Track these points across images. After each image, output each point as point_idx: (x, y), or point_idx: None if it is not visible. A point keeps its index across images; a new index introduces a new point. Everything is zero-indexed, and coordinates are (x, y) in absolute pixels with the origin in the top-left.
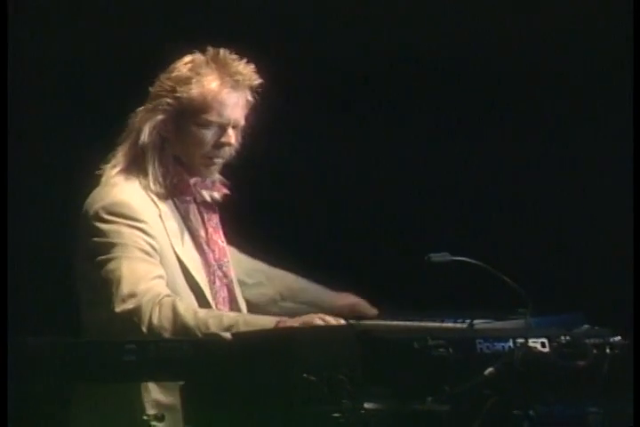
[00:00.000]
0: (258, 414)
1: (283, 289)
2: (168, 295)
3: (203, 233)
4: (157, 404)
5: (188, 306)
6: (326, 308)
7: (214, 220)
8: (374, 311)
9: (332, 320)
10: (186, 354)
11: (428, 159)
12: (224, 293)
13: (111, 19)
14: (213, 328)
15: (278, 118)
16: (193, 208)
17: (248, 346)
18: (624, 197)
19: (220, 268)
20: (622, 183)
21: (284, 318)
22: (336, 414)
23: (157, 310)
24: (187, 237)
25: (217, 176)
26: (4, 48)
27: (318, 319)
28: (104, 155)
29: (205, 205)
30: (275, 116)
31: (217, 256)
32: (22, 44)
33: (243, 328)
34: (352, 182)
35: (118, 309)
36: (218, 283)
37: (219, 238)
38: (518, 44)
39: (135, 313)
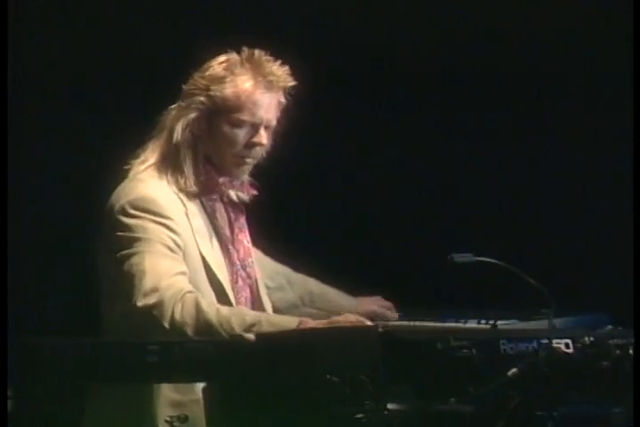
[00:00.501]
0: (280, 416)
1: (304, 294)
2: (190, 291)
3: (228, 232)
4: (172, 403)
5: (210, 303)
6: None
7: (241, 220)
8: (394, 318)
9: (355, 320)
10: (209, 355)
11: (449, 159)
12: (246, 293)
13: (111, 18)
14: (236, 326)
15: (302, 120)
16: (220, 207)
17: (271, 347)
18: None
19: (243, 268)
20: None
21: (306, 319)
22: (359, 416)
23: (180, 305)
24: (212, 235)
25: (246, 177)
26: (4, 48)
27: (343, 320)
28: (105, 154)
29: (232, 205)
30: (299, 117)
31: (241, 256)
32: (22, 43)
33: (265, 327)
34: (373, 184)
35: (140, 303)
36: (240, 283)
37: (244, 238)
38: (519, 43)
39: (157, 308)
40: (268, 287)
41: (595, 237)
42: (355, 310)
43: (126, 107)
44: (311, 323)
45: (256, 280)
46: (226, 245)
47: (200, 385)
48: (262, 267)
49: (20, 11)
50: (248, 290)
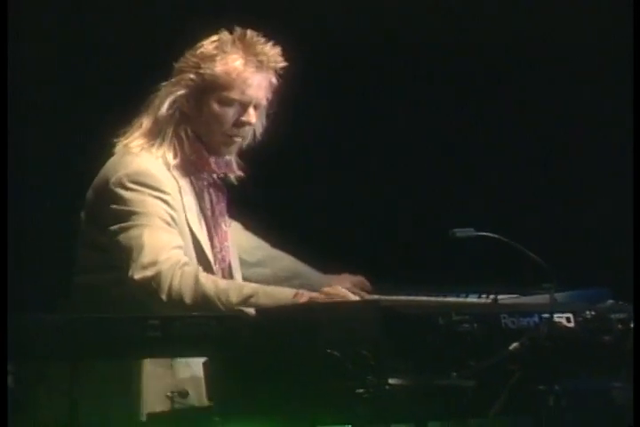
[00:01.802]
0: (281, 391)
1: (279, 270)
2: (187, 264)
3: (210, 214)
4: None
5: (208, 276)
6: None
7: (222, 204)
8: (364, 297)
9: (344, 293)
10: (210, 330)
11: (451, 132)
12: (219, 275)
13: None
14: (233, 297)
15: (293, 102)
16: (206, 188)
17: (272, 322)
18: None
19: (220, 251)
20: None
21: (302, 291)
22: (360, 390)
23: (178, 277)
24: (200, 215)
25: (233, 157)
26: (4, 48)
27: (333, 292)
28: (101, 147)
29: (216, 188)
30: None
31: (220, 239)
32: (22, 43)
33: (262, 298)
34: (372, 157)
35: (138, 275)
36: (217, 266)
37: (223, 222)
38: (519, 43)
39: (155, 280)
40: (246, 262)
41: (595, 212)
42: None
43: (124, 97)
44: (306, 295)
45: (229, 265)
46: (209, 227)
47: (200, 360)
48: (242, 241)
49: (19, 11)
50: (220, 274)
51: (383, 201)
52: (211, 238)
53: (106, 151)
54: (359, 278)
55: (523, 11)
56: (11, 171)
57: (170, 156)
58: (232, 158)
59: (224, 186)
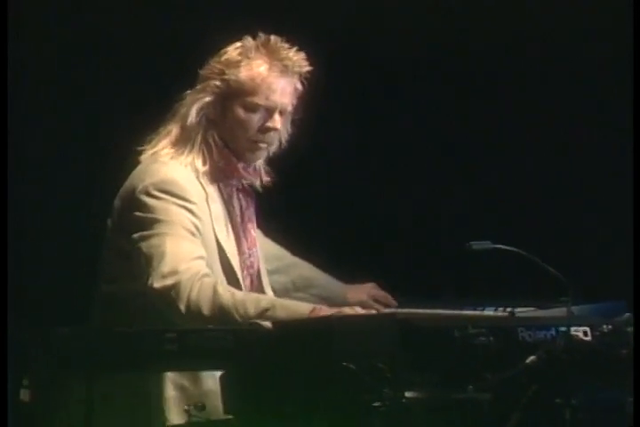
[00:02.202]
0: (298, 404)
1: (297, 279)
2: (207, 275)
3: (239, 220)
4: (181, 389)
5: (226, 287)
6: (336, 301)
7: (251, 209)
8: (380, 309)
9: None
10: (227, 343)
11: (470, 145)
12: (247, 282)
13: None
14: (250, 310)
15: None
16: (235, 194)
17: (288, 335)
18: None
19: (249, 257)
20: None
21: (320, 306)
22: (377, 403)
23: (197, 288)
24: (227, 222)
25: (261, 163)
26: (3, 48)
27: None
28: (103, 152)
29: (245, 193)
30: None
31: (249, 245)
32: (22, 43)
33: (279, 312)
34: (388, 167)
35: (157, 284)
36: (245, 272)
37: (252, 228)
38: (519, 43)
39: (174, 290)
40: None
41: (613, 225)
42: (344, 296)
43: (143, 98)
44: (324, 310)
45: (258, 270)
46: (238, 233)
47: (210, 376)
48: (262, 248)
49: (19, 11)
50: (249, 279)
51: (400, 212)
52: (239, 245)
53: (127, 159)
54: (383, 294)
55: (523, 10)
56: (11, 171)
57: (199, 163)
58: (260, 164)
59: (252, 192)
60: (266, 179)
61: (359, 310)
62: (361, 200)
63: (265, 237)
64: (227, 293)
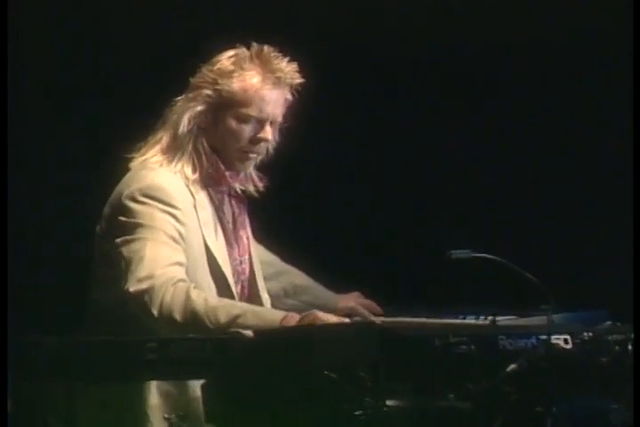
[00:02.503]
0: (279, 413)
1: (287, 286)
2: (183, 280)
3: (231, 227)
4: (167, 396)
5: (200, 293)
6: (326, 309)
7: (243, 215)
8: (371, 317)
9: (334, 320)
10: (207, 352)
11: (445, 156)
12: (238, 289)
13: (120, 10)
14: (221, 317)
15: (306, 116)
16: (226, 200)
17: (269, 344)
18: None
19: (240, 263)
20: None
21: (292, 313)
22: (358, 412)
23: (170, 292)
24: (218, 228)
25: (252, 170)
26: (3, 48)
27: (326, 317)
28: (107, 151)
29: (237, 199)
30: (304, 113)
31: (240, 252)
32: (22, 44)
33: (250, 319)
34: (373, 180)
35: (132, 288)
36: (236, 278)
37: (245, 234)
38: (519, 43)
39: (148, 294)
40: None
41: (593, 233)
42: (335, 304)
43: (135, 103)
44: (296, 317)
45: (249, 277)
46: (229, 240)
47: (195, 383)
48: (257, 255)
49: (19, 11)
50: (240, 286)
51: (386, 220)
52: (230, 252)
53: (118, 165)
54: (368, 302)
55: (523, 10)
56: (11, 171)
57: (189, 170)
58: (250, 171)
59: (245, 198)
60: (259, 184)
61: (331, 318)
62: (347, 208)
63: (257, 243)
64: (200, 298)
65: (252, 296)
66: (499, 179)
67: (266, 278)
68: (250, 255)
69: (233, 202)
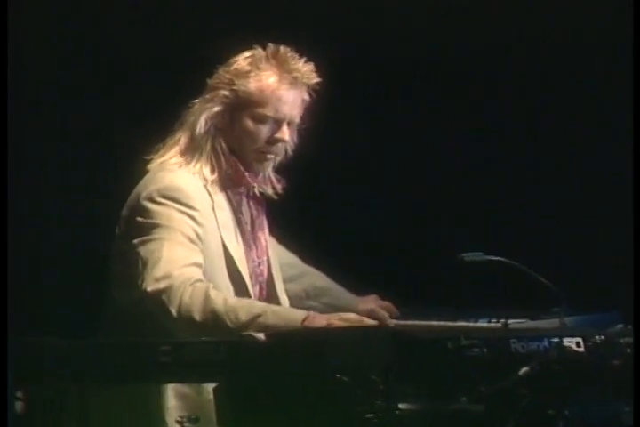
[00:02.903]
0: (291, 416)
1: (309, 287)
2: (201, 280)
3: (249, 228)
4: (181, 398)
5: (218, 293)
6: (346, 311)
7: (261, 217)
8: (390, 320)
9: (362, 320)
10: (221, 355)
11: (461, 158)
12: (256, 290)
13: (134, 11)
14: (242, 316)
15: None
16: (245, 202)
17: (282, 347)
18: None
19: (258, 265)
20: None
21: (314, 313)
22: (370, 415)
23: (189, 292)
24: (237, 230)
25: (270, 172)
26: (3, 48)
27: (348, 318)
28: (117, 151)
29: (255, 201)
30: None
31: (258, 253)
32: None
33: (271, 318)
34: (385, 183)
35: (150, 288)
36: (254, 279)
37: (263, 236)
38: (519, 43)
39: (166, 293)
40: None
41: (606, 236)
42: (355, 307)
43: (150, 103)
44: (318, 317)
45: (267, 279)
46: (247, 241)
47: (211, 385)
48: (275, 256)
49: (19, 11)
50: (258, 287)
51: (399, 221)
52: (248, 253)
53: (136, 167)
54: (387, 303)
55: (523, 10)
56: (11, 171)
57: (207, 171)
58: (268, 173)
59: (263, 200)
60: (278, 186)
61: (355, 317)
62: (363, 209)
63: (278, 244)
64: (219, 298)
65: (270, 298)
66: (510, 181)
67: (287, 280)
68: (268, 257)
69: (251, 203)
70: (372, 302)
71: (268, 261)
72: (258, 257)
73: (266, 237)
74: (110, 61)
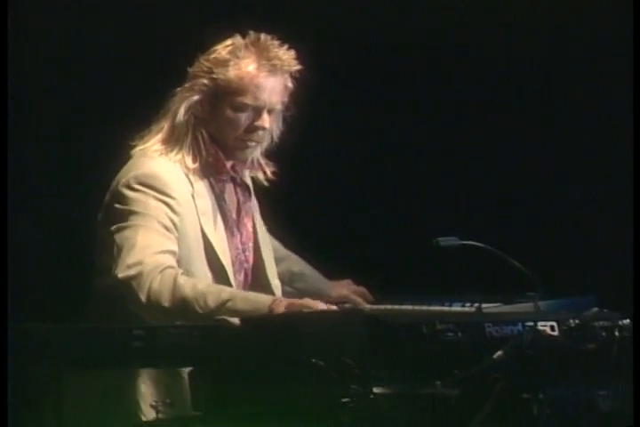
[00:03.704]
0: (266, 400)
1: (285, 272)
2: (171, 267)
3: (235, 215)
4: (156, 383)
5: (188, 279)
6: (319, 296)
7: (248, 203)
8: (363, 304)
9: (321, 307)
10: (194, 340)
11: (436, 145)
12: (240, 277)
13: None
14: (211, 302)
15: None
16: (230, 188)
17: (256, 331)
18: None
19: (243, 251)
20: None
21: (280, 298)
22: (345, 399)
23: (158, 278)
24: (217, 217)
25: (260, 157)
26: (3, 48)
27: (312, 305)
28: (108, 144)
29: (243, 188)
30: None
31: (243, 239)
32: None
33: (240, 303)
34: (360, 166)
35: (121, 274)
36: (237, 266)
37: (249, 222)
38: (520, 42)
39: (136, 280)
40: None
41: (579, 220)
42: (329, 292)
43: (134, 95)
44: (284, 302)
45: (254, 265)
46: (231, 228)
47: (186, 369)
48: (267, 241)
49: (19, 11)
50: (243, 274)
51: (368, 205)
52: (231, 240)
53: (118, 154)
54: (361, 289)
55: (523, 11)
56: (11, 170)
57: (189, 160)
58: (257, 158)
59: (250, 186)
60: (268, 171)
61: (320, 305)
62: (333, 194)
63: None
64: (188, 284)
65: (258, 283)
66: (483, 165)
67: None
68: (256, 243)
69: (238, 190)
70: (344, 288)
71: (256, 246)
72: (242, 243)
73: (254, 224)
74: (104, 53)
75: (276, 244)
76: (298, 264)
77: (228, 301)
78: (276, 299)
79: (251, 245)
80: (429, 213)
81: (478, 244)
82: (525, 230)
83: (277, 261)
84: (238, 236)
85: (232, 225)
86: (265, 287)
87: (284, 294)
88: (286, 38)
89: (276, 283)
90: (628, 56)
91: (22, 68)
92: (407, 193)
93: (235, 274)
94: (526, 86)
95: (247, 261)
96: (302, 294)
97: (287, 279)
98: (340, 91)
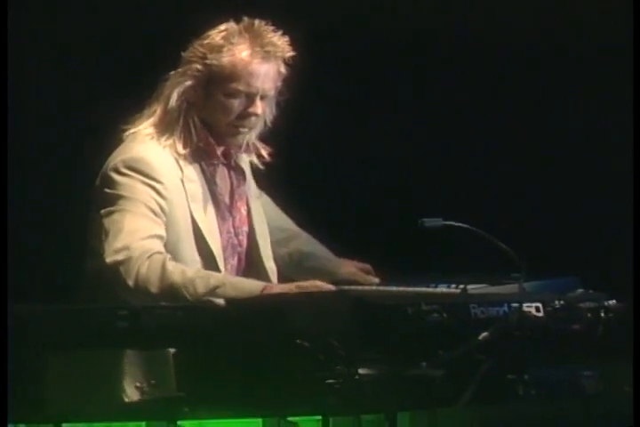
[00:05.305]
0: (251, 381)
1: (294, 251)
2: (159, 252)
3: (227, 199)
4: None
5: (177, 265)
6: (328, 275)
7: (242, 187)
8: (373, 281)
9: (324, 287)
10: (179, 321)
11: (423, 127)
12: (233, 260)
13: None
14: (200, 288)
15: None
16: (222, 172)
17: (241, 313)
18: (623, 160)
19: (236, 235)
20: (621, 150)
21: (271, 284)
22: (330, 380)
23: (146, 264)
24: (208, 201)
25: (255, 140)
26: (3, 48)
27: (309, 285)
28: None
29: (237, 172)
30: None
31: (236, 223)
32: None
33: (229, 290)
34: (348, 150)
35: (109, 259)
36: (230, 250)
37: (242, 206)
38: (519, 41)
39: (124, 265)
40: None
41: (565, 201)
42: (337, 270)
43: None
44: (276, 288)
45: (247, 249)
46: (222, 212)
47: (170, 350)
48: (269, 219)
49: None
50: (236, 258)
51: (354, 186)
52: (222, 224)
53: (113, 142)
54: (367, 266)
55: (523, 9)
56: (11, 170)
57: (180, 145)
58: (254, 141)
59: (245, 170)
60: (264, 153)
61: (318, 284)
62: (320, 175)
63: (274, 204)
64: (177, 270)
65: (252, 267)
66: (470, 148)
67: (274, 244)
68: (251, 226)
69: (232, 174)
70: (352, 266)
71: (251, 230)
72: (236, 227)
73: (248, 207)
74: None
75: (288, 222)
76: (308, 243)
77: (217, 287)
78: (266, 285)
79: (245, 228)
80: (415, 195)
81: (463, 225)
82: (510, 211)
83: (287, 240)
84: (230, 220)
85: (224, 209)
86: (259, 271)
87: (293, 272)
88: (280, 23)
89: (270, 266)
90: (628, 56)
91: (21, 59)
92: (393, 174)
93: (227, 258)
94: (525, 85)
95: (240, 244)
96: (312, 272)
97: (296, 258)
98: (334, 76)
